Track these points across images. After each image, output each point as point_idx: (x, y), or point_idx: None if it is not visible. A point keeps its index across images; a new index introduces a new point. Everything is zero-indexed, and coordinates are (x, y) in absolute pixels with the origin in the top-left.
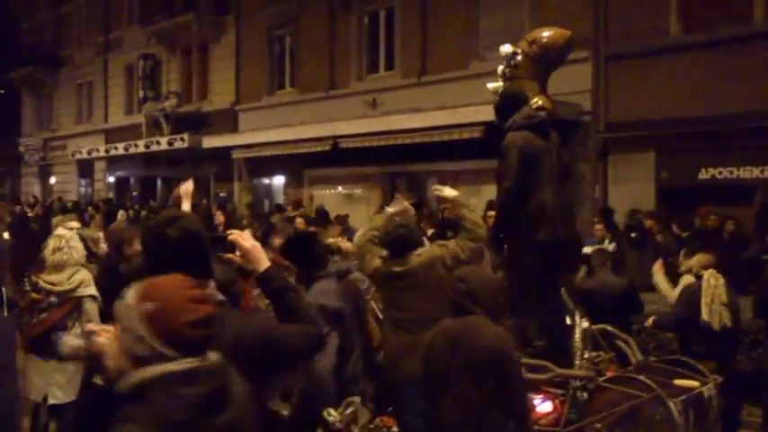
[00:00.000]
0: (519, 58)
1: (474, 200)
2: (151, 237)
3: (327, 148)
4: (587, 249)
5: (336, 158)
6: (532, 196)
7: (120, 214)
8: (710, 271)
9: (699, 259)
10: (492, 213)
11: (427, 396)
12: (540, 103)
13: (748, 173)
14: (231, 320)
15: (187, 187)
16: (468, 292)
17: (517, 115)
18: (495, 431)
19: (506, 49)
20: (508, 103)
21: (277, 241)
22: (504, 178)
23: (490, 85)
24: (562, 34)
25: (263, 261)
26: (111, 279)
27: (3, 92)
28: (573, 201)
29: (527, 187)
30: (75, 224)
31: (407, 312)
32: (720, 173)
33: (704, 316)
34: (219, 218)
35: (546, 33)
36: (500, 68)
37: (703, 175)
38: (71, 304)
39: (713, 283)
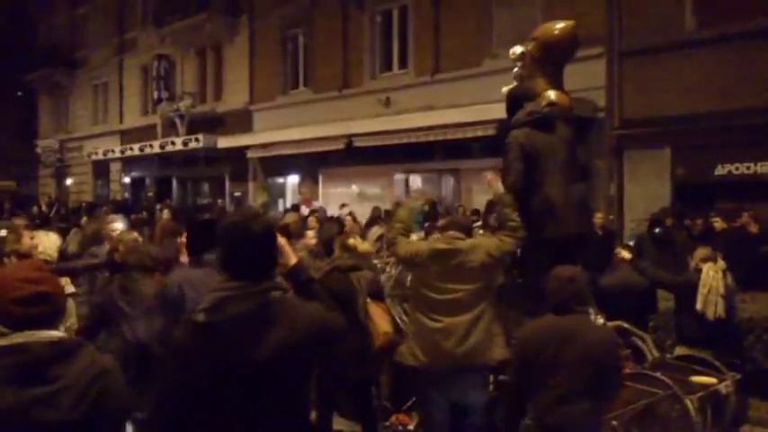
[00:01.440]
0: (526, 57)
1: (488, 198)
2: (235, 231)
3: (341, 146)
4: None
5: (350, 157)
6: (537, 192)
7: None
8: (710, 264)
9: (699, 253)
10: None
11: (523, 384)
12: (552, 97)
13: (766, 168)
14: (297, 307)
15: None
16: (577, 293)
17: (520, 112)
18: (593, 417)
19: (515, 50)
20: (513, 103)
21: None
22: (506, 175)
23: (504, 89)
24: (559, 27)
25: (292, 256)
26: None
27: (20, 94)
28: (589, 197)
29: (531, 184)
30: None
31: (444, 294)
32: (737, 168)
33: (698, 305)
34: None
35: (542, 29)
36: (514, 70)
37: (719, 170)
38: None
39: (711, 274)
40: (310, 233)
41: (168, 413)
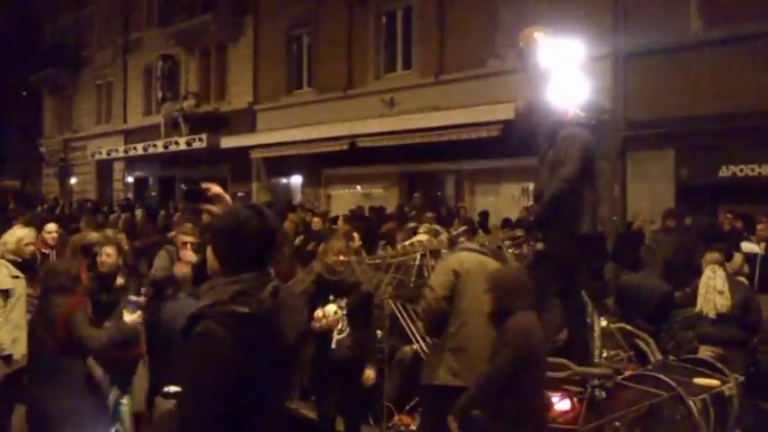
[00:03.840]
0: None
1: (492, 199)
2: (249, 225)
3: (345, 147)
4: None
5: (354, 158)
6: (578, 190)
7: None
8: (711, 266)
9: (707, 258)
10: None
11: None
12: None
13: None
14: (293, 293)
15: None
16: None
17: (580, 111)
18: None
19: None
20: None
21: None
22: (564, 165)
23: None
24: (525, 35)
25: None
26: None
27: (24, 94)
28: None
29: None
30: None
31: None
32: (741, 170)
33: (698, 306)
34: None
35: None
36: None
37: (724, 172)
38: None
39: (709, 275)
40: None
41: (213, 406)
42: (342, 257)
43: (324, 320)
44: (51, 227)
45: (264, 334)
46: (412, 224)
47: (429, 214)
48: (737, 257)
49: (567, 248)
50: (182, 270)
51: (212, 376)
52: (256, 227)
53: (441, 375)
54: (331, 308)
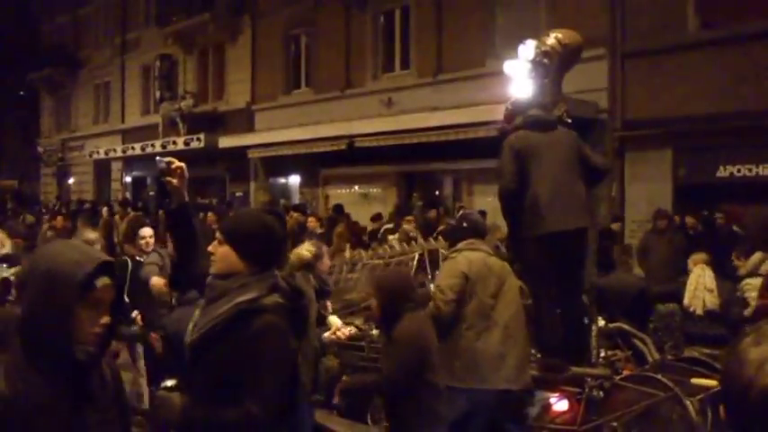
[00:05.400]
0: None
1: (490, 199)
2: (275, 226)
3: (343, 147)
4: None
5: (352, 158)
6: (528, 192)
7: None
8: (700, 265)
9: (694, 259)
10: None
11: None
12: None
13: None
14: None
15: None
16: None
17: (518, 119)
18: None
19: (549, 41)
20: (516, 110)
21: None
22: (499, 178)
23: (509, 104)
24: (575, 38)
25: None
26: None
27: (22, 93)
28: (589, 195)
29: (523, 184)
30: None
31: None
32: (739, 170)
33: (686, 301)
34: None
35: (570, 35)
36: (527, 67)
37: (721, 172)
38: None
39: (698, 273)
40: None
41: (280, 398)
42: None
43: (339, 332)
44: (147, 231)
45: (300, 323)
46: (388, 225)
47: (408, 217)
48: (756, 255)
49: (529, 252)
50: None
51: (284, 368)
52: (279, 229)
53: (442, 377)
54: (334, 319)
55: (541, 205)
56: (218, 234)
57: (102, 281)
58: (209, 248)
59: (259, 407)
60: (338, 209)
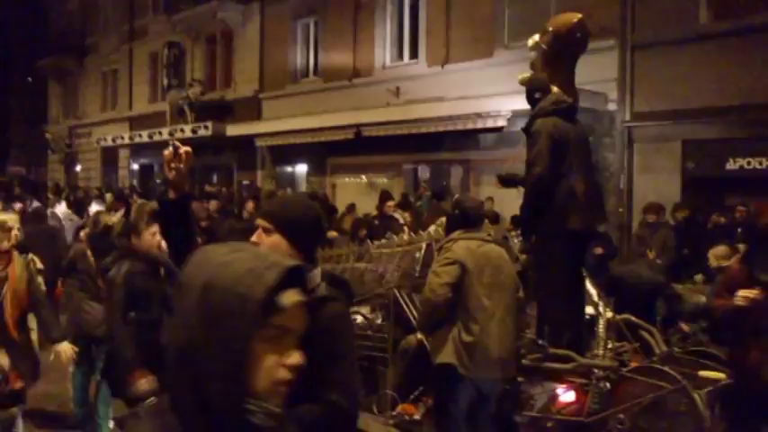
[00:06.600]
0: (543, 47)
1: (498, 189)
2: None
3: (351, 136)
4: None
5: (359, 147)
6: (562, 183)
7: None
8: (735, 257)
9: (714, 253)
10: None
11: None
12: (556, 94)
13: None
14: None
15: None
16: None
17: (544, 102)
18: None
19: (535, 38)
20: (532, 91)
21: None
22: (534, 164)
23: (520, 77)
24: (571, 19)
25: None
26: None
27: (30, 80)
28: (601, 190)
29: (557, 174)
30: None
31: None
32: (749, 163)
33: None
34: (250, 206)
35: (556, 21)
36: (531, 54)
37: (731, 165)
38: None
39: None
40: None
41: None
42: None
43: None
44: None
45: None
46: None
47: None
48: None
49: (555, 246)
50: None
51: (356, 356)
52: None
53: (448, 354)
54: None
55: (577, 200)
56: (262, 222)
57: (290, 297)
58: (253, 239)
59: (347, 399)
60: (350, 208)
